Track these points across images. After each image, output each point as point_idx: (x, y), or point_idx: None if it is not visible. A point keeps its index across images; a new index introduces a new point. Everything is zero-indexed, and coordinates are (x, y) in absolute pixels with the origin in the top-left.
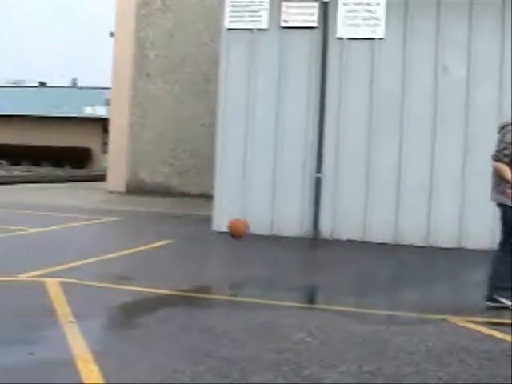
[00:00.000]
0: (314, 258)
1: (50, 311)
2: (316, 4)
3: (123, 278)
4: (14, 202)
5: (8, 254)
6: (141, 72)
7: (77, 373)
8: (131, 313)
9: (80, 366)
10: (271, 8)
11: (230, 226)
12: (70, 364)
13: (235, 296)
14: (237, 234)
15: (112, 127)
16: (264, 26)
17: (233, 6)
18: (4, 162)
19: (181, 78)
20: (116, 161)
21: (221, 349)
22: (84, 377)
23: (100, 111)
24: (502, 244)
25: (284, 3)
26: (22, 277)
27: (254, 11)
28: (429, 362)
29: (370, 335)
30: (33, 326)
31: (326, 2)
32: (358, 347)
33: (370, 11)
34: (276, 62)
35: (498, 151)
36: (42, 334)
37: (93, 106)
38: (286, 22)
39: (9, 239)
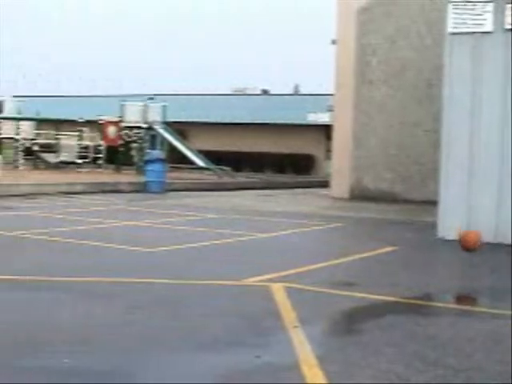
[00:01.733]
0: None
1: (275, 316)
2: None
3: (347, 284)
4: (240, 207)
5: (236, 259)
6: (363, 78)
7: (302, 377)
8: (355, 319)
9: (305, 370)
10: (495, 10)
11: (463, 240)
12: (295, 368)
13: (460, 304)
14: (468, 247)
15: (335, 134)
16: (488, 28)
17: (456, 11)
18: (228, 168)
19: (403, 84)
20: (340, 167)
21: (446, 357)
22: (309, 381)
23: (322, 118)
24: None
25: (508, 5)
26: (249, 281)
27: (477, 14)
28: None
29: None
30: (259, 329)
31: None
32: None
33: None
34: (501, 64)
35: None
36: (268, 337)
37: (315, 112)
38: (510, 24)
39: (238, 244)
